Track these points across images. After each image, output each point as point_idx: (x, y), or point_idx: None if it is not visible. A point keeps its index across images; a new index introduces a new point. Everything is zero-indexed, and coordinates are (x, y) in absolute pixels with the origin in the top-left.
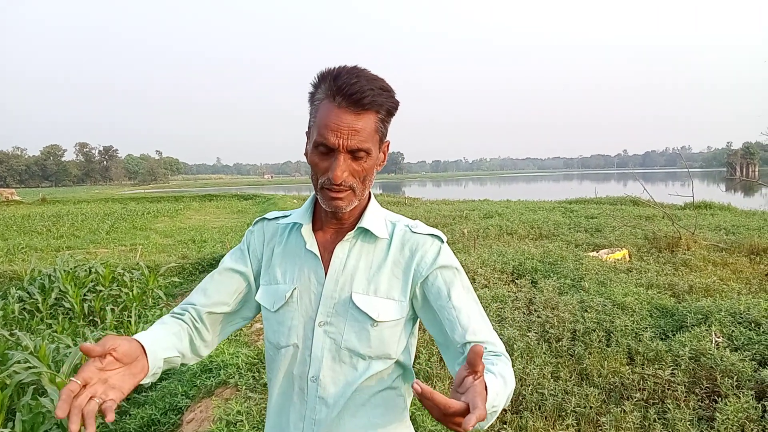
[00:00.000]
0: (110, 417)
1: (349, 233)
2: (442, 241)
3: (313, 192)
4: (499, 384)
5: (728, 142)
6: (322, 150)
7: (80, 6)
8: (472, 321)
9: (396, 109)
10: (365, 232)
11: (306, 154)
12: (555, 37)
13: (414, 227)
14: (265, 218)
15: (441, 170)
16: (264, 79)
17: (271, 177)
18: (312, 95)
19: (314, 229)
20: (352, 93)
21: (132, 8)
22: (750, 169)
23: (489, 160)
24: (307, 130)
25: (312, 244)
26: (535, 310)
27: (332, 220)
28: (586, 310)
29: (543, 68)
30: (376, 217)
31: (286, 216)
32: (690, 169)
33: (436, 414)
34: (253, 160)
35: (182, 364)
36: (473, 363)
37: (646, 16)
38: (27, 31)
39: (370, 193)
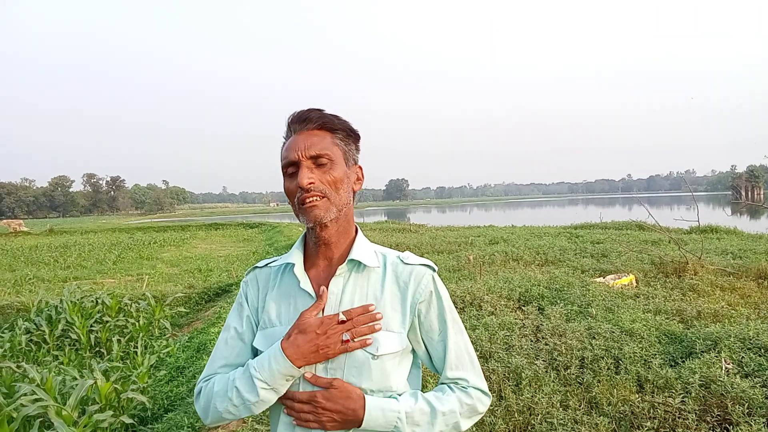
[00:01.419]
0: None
1: (341, 267)
2: (434, 270)
3: (303, 232)
4: (404, 405)
5: (732, 166)
6: (290, 171)
7: (85, 38)
8: (452, 357)
9: (354, 133)
10: (357, 264)
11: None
12: (556, 65)
13: (405, 258)
14: (257, 267)
15: (445, 196)
16: (267, 110)
17: (277, 205)
18: (281, 151)
19: (306, 268)
20: (299, 116)
21: (136, 41)
22: (755, 193)
23: (493, 186)
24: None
25: (305, 283)
26: (543, 338)
27: (321, 247)
28: (594, 337)
29: (546, 95)
30: (365, 249)
31: (275, 260)
32: (695, 193)
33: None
34: (259, 188)
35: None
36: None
37: (648, 42)
38: (34, 66)
39: (357, 227)
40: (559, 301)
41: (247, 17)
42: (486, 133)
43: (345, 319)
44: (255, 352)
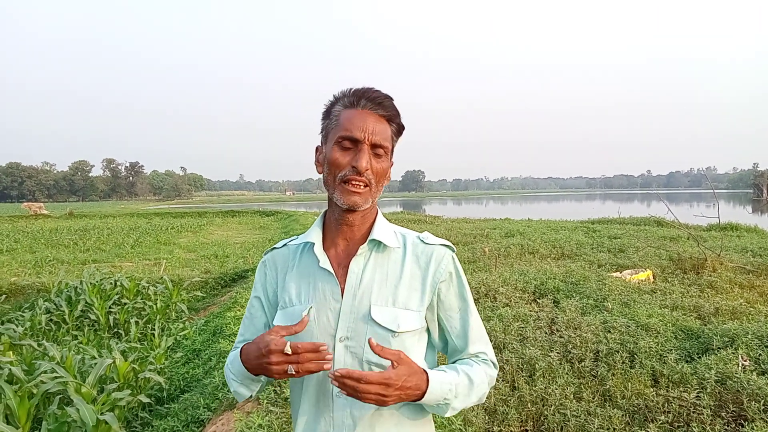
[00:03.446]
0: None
1: (362, 246)
2: (453, 251)
3: (322, 211)
4: (449, 383)
5: (755, 163)
6: (345, 144)
7: (107, 26)
8: (474, 332)
9: (403, 130)
10: (378, 244)
11: (318, 163)
12: (576, 56)
13: (425, 239)
14: (274, 248)
15: (462, 189)
16: (284, 99)
17: (293, 194)
18: (328, 112)
19: (325, 248)
20: (375, 97)
21: (159, 30)
22: None
23: (510, 179)
24: (319, 144)
25: (325, 262)
26: (558, 330)
27: (343, 228)
28: (609, 331)
29: (565, 88)
30: (386, 229)
31: (294, 239)
32: (715, 190)
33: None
34: (276, 177)
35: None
36: (388, 358)
37: (668, 33)
38: (55, 52)
39: (377, 208)
40: (574, 295)
41: (269, 3)
42: (504, 125)
43: (290, 352)
44: None
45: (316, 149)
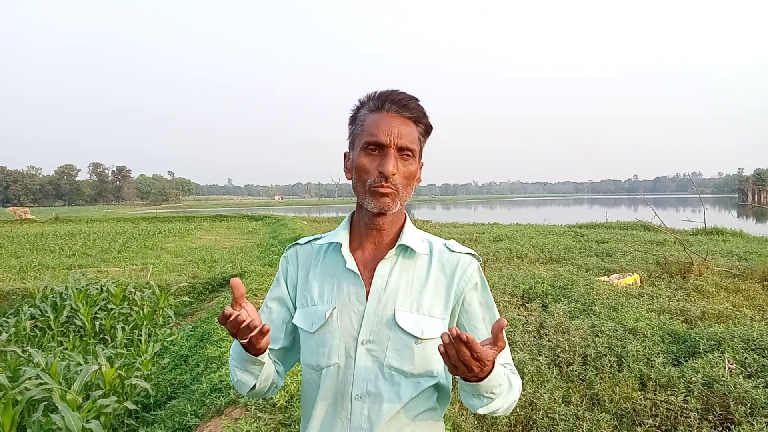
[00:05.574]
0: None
1: (390, 251)
2: (479, 260)
3: (349, 213)
4: (503, 377)
5: (739, 169)
6: (371, 150)
7: (93, 30)
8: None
9: (431, 130)
10: (405, 249)
11: (346, 169)
12: (565, 65)
13: (451, 246)
14: (297, 243)
15: (450, 193)
16: (273, 105)
17: (282, 198)
18: (354, 117)
19: (351, 249)
20: (399, 99)
21: (145, 34)
22: (762, 196)
23: (499, 184)
24: (347, 150)
25: (351, 263)
26: (546, 334)
27: (372, 232)
28: (597, 335)
29: (553, 94)
30: (414, 235)
31: (319, 238)
32: (701, 195)
33: (457, 356)
34: (264, 181)
35: (252, 389)
36: (495, 336)
37: (653, 41)
38: (42, 55)
39: (405, 213)
40: (562, 299)
41: (253, 12)
42: (492, 130)
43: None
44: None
45: (345, 156)
